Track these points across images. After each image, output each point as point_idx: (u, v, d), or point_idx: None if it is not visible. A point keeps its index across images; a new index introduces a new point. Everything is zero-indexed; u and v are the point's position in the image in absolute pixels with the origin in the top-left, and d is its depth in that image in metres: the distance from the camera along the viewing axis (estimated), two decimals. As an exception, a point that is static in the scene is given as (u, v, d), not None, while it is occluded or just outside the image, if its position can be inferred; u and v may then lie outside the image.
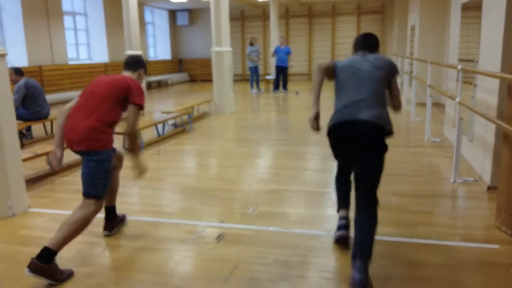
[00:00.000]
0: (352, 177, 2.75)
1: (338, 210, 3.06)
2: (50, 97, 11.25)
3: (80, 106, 2.86)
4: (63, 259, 2.85)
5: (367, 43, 2.95)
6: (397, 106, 2.79)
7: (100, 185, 2.80)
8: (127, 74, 3.23)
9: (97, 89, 2.90)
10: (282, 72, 12.99)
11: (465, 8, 5.21)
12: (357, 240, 2.45)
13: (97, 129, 2.79)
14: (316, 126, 2.71)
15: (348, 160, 2.75)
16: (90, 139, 2.77)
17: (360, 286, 2.28)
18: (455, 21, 5.81)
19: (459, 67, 4.17)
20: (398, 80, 2.54)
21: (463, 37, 5.35)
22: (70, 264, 2.80)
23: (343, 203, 3.04)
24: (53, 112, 8.56)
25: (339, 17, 18.09)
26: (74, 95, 12.58)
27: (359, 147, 2.53)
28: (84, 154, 2.80)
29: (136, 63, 3.28)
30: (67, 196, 4.16)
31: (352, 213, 2.75)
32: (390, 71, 2.69)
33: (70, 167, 5.15)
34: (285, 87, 13.13)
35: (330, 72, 2.76)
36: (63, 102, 12.01)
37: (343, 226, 2.96)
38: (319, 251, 2.91)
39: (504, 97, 3.24)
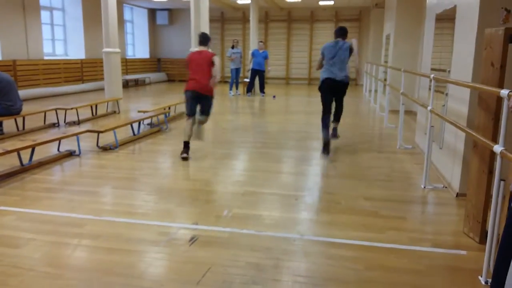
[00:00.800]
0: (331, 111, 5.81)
1: (323, 129, 5.69)
2: (23, 93, 10.99)
3: (195, 72, 5.42)
4: (30, 259, 2.79)
5: (342, 33, 5.73)
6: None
7: (210, 110, 5.68)
8: (204, 48, 5.57)
9: (202, 62, 5.41)
10: (259, 75, 13.09)
11: (438, 19, 5.36)
12: (335, 116, 5.94)
13: (208, 84, 5.40)
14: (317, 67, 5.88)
15: (330, 98, 5.68)
16: (208, 90, 5.44)
17: (332, 136, 5.85)
18: (429, 31, 5.96)
19: (432, 76, 4.28)
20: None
21: (436, 47, 5.49)
22: (38, 265, 2.73)
23: (324, 127, 5.61)
24: (26, 108, 8.36)
25: (317, 23, 18.31)
26: (49, 91, 12.34)
27: (337, 91, 5.67)
28: (205, 97, 5.48)
29: (206, 39, 5.63)
30: (37, 195, 4.07)
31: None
32: (350, 50, 5.62)
33: (41, 164, 5.04)
34: (262, 90, 13.22)
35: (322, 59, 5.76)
36: (37, 98, 11.74)
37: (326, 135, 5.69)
38: (292, 254, 2.93)
39: (474, 107, 3.35)
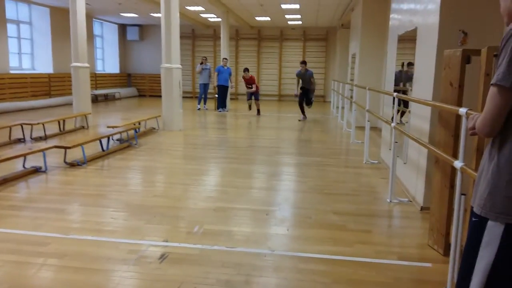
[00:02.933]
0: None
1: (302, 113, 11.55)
2: (-14, 108, 10.64)
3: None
4: (-7, 280, 2.70)
5: (305, 63, 11.60)
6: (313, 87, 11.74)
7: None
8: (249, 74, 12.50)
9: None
10: (225, 91, 13.40)
11: (401, 39, 5.59)
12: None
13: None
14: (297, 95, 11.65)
15: (304, 96, 11.56)
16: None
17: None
18: (391, 51, 6.20)
19: (395, 94, 4.45)
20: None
21: (399, 66, 5.72)
22: None
23: (302, 112, 11.64)
24: (-12, 124, 8.07)
25: (286, 42, 18.68)
26: (15, 106, 12.01)
27: (306, 93, 11.56)
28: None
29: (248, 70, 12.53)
30: (1, 212, 3.93)
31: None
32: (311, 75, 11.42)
33: (5, 181, 4.89)
34: (225, 105, 13.46)
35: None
36: (2, 112, 11.40)
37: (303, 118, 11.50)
38: (263, 270, 2.95)
39: (435, 124, 3.49)
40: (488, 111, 1.51)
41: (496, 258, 1.53)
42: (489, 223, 1.55)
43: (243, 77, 12.49)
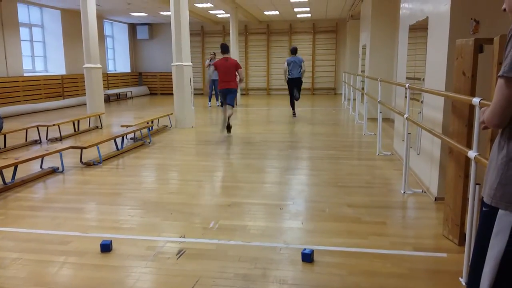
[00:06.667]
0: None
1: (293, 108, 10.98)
2: (3, 110, 10.85)
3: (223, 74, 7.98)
4: (15, 279, 2.78)
5: (295, 51, 10.74)
6: (302, 73, 10.73)
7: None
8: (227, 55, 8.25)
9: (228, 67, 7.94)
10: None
11: (412, 29, 5.54)
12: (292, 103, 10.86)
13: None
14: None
15: (293, 90, 10.72)
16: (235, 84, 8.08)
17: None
18: (403, 41, 6.14)
19: (407, 85, 4.42)
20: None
21: (410, 56, 5.67)
22: (24, 284, 2.73)
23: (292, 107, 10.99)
24: (7, 125, 8.25)
25: (295, 35, 18.60)
26: (29, 108, 12.22)
27: (295, 85, 10.66)
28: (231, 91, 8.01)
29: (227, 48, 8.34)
30: (21, 213, 4.03)
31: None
32: (301, 62, 10.55)
33: (24, 182, 4.99)
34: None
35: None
36: (17, 115, 11.60)
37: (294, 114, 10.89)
38: (279, 263, 2.98)
39: (448, 114, 3.47)
40: (497, 102, 1.51)
41: (507, 246, 1.54)
42: (500, 212, 1.56)
43: None
